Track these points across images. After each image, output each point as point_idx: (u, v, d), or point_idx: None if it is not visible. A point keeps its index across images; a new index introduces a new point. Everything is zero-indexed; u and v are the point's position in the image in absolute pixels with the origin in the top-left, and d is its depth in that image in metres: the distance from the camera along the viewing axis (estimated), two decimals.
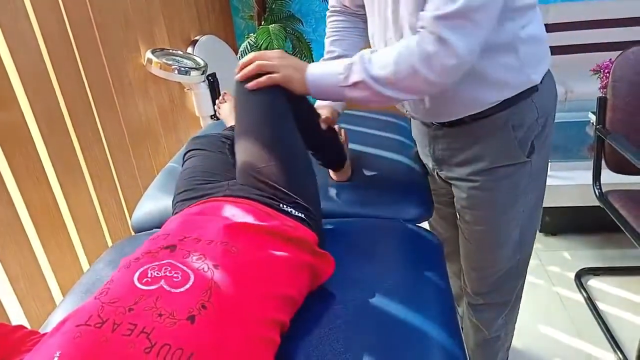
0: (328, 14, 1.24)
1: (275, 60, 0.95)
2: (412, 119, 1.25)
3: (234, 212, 0.84)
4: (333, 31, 1.22)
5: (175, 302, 0.62)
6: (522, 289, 1.30)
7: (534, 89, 1.00)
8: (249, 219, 0.82)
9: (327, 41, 1.23)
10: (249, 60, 0.96)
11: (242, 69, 0.97)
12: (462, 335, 1.46)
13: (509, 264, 1.19)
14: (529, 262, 1.25)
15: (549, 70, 1.06)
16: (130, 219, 1.26)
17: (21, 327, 0.71)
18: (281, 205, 0.89)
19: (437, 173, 1.21)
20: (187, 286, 0.65)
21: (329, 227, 1.03)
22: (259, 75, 0.95)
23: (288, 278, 0.77)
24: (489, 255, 1.19)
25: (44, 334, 0.65)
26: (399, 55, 0.86)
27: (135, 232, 1.22)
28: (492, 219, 1.12)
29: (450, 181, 1.17)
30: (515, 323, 1.39)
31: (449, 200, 1.27)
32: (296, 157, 0.97)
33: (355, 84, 0.90)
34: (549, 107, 1.05)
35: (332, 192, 1.21)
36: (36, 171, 1.41)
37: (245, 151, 0.96)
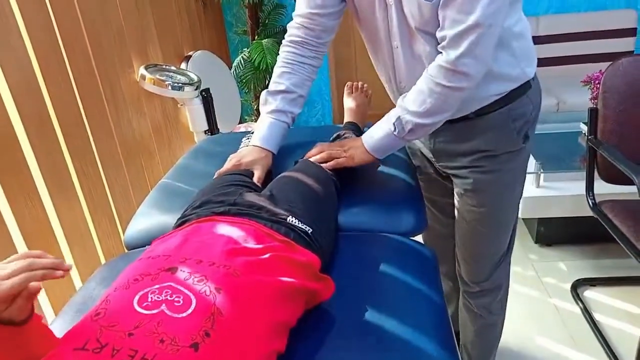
0: (284, 43, 1.22)
1: (340, 149, 1.16)
2: None
3: (236, 233, 0.83)
4: (285, 63, 1.22)
5: (177, 327, 0.61)
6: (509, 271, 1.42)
7: (528, 85, 1.12)
8: (250, 241, 0.81)
9: (276, 70, 1.23)
10: (319, 151, 1.16)
11: (312, 156, 1.16)
12: (460, 331, 1.51)
13: (503, 249, 1.30)
14: (513, 246, 1.36)
15: None
16: (123, 236, 1.25)
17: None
18: (288, 218, 0.90)
19: (434, 166, 1.30)
20: (190, 311, 0.63)
21: None
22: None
23: (287, 304, 0.76)
24: (488, 240, 1.28)
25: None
26: (429, 90, 1.01)
27: (128, 250, 1.21)
28: (496, 200, 1.22)
29: (450, 171, 1.24)
30: (506, 308, 1.47)
31: (444, 192, 1.37)
32: (329, 218, 1.07)
33: (410, 131, 1.06)
34: (538, 101, 1.18)
35: None
36: (28, 188, 1.41)
37: (292, 186, 1.06)
